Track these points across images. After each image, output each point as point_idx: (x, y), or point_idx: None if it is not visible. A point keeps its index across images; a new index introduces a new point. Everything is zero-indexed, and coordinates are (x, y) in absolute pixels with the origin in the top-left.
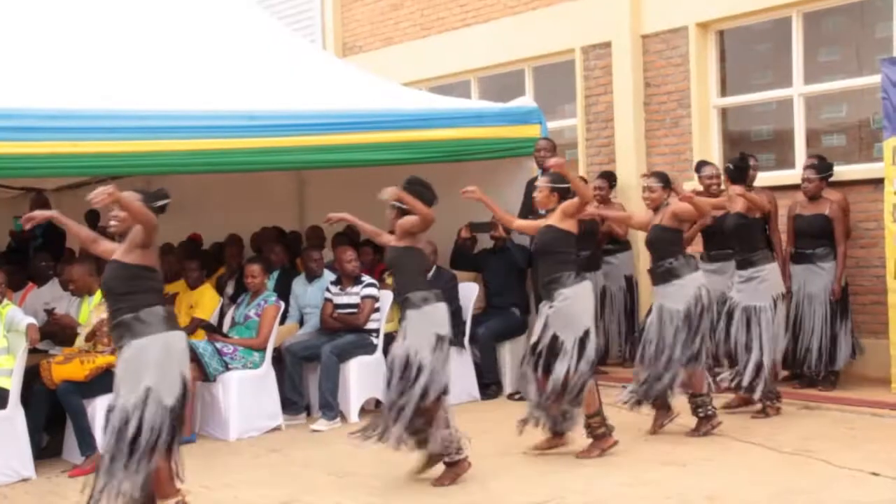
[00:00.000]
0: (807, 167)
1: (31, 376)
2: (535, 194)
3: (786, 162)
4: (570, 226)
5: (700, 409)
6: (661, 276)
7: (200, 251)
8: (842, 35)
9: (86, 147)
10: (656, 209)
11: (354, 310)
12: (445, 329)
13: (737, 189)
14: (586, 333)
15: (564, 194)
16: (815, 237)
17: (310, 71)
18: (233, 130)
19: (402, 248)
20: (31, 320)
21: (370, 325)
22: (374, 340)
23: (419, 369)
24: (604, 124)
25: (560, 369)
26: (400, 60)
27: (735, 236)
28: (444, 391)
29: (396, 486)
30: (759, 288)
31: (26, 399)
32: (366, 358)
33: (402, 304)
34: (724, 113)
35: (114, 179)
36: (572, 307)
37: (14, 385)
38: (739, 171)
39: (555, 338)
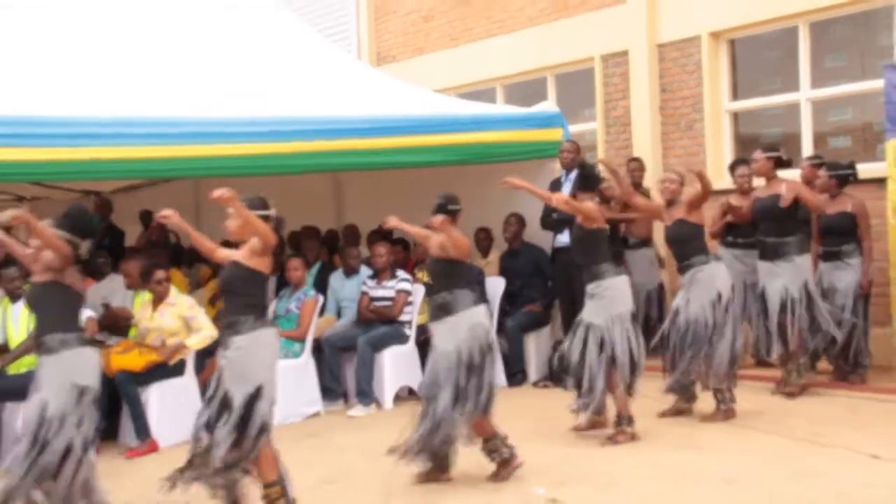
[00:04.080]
0: (822, 165)
1: None
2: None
3: (794, 163)
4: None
5: (495, 454)
6: None
7: None
8: (847, 42)
9: (138, 152)
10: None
11: (388, 302)
12: (88, 379)
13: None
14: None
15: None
16: (842, 234)
17: (346, 79)
18: (275, 136)
19: (42, 285)
20: (91, 313)
21: (403, 318)
22: (407, 332)
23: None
24: (622, 128)
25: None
26: (431, 69)
27: (578, 249)
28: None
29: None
30: (600, 305)
31: None
32: (399, 348)
33: (36, 348)
34: (735, 116)
35: (164, 182)
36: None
37: None
38: (586, 179)
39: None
